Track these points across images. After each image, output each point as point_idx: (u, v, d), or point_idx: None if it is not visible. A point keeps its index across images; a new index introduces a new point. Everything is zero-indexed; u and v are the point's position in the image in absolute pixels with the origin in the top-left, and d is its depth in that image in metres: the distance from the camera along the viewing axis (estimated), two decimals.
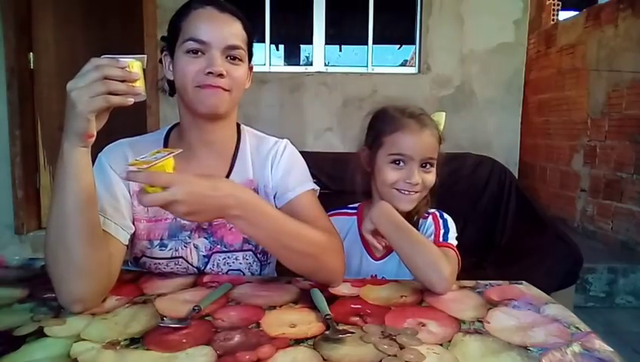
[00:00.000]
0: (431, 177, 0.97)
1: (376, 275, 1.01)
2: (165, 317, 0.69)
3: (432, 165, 0.97)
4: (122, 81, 0.66)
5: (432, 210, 1.02)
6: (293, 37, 4.77)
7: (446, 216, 1.02)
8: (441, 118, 1.01)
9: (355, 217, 1.07)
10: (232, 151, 0.96)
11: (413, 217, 0.99)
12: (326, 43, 3.32)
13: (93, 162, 0.84)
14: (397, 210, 0.94)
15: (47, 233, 0.72)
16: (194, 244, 0.91)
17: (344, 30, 4.43)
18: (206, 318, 0.69)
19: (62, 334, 0.63)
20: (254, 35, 0.92)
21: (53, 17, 3.09)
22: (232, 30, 0.85)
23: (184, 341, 0.61)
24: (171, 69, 0.88)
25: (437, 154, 0.98)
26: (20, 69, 2.94)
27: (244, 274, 0.96)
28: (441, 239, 0.94)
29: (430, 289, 0.82)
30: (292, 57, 5.36)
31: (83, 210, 0.70)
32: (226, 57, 0.84)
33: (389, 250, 1.00)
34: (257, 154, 0.97)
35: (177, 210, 0.67)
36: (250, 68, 0.93)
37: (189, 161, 0.89)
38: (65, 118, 0.68)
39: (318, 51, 3.31)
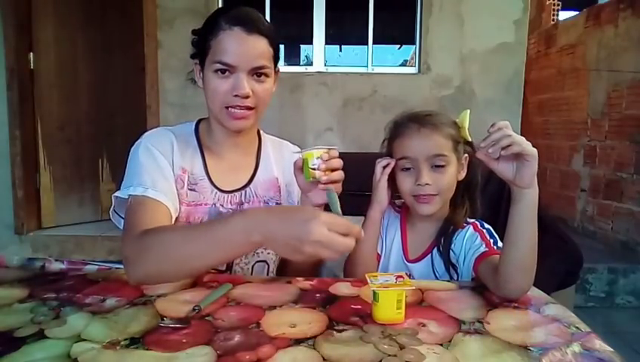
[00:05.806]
0: (446, 178, 0.93)
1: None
2: (165, 317, 0.69)
3: (443, 165, 0.92)
4: None
5: (472, 220, 0.99)
6: (293, 37, 4.77)
7: (487, 225, 0.97)
8: (465, 116, 0.94)
9: (399, 216, 1.05)
10: (255, 151, 1.04)
11: (450, 227, 0.97)
12: (326, 43, 3.32)
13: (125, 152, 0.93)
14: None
15: (172, 240, 0.74)
16: None
17: (344, 30, 4.43)
18: (206, 318, 0.69)
19: (62, 334, 0.63)
20: (278, 39, 0.94)
21: (53, 17, 3.09)
22: (258, 50, 0.88)
23: (184, 341, 0.61)
24: (201, 77, 0.94)
25: (450, 152, 0.93)
26: (19, 69, 2.93)
27: (269, 265, 1.01)
28: (495, 248, 0.90)
29: (503, 294, 0.78)
30: (292, 57, 5.37)
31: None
32: (252, 75, 0.89)
33: (424, 254, 0.99)
34: (281, 156, 1.06)
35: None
36: (277, 72, 0.97)
37: (220, 158, 0.99)
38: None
39: (318, 51, 3.31)
